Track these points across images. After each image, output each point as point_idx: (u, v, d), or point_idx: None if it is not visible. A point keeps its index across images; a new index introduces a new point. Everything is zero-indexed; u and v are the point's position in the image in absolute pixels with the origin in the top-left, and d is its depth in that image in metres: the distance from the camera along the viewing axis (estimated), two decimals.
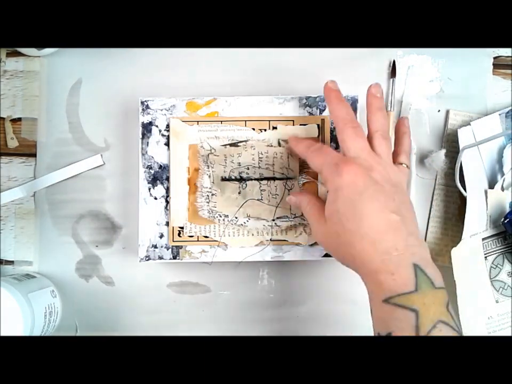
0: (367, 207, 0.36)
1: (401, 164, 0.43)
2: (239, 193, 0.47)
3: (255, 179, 0.47)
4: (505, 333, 0.47)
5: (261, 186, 0.47)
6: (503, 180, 0.48)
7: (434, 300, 0.34)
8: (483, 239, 0.48)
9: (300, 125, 0.48)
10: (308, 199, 0.42)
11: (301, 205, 0.43)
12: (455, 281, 0.46)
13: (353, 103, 0.48)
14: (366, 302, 0.50)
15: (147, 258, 0.47)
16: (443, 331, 0.33)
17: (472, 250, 0.47)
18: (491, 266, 0.48)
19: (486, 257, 0.48)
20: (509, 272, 0.48)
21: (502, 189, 0.48)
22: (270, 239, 0.47)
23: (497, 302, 0.48)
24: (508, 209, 0.47)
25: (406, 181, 0.43)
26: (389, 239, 0.36)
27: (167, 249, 0.47)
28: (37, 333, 0.44)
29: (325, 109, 0.48)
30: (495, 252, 0.48)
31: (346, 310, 0.50)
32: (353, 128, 0.40)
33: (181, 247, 0.47)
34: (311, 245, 0.47)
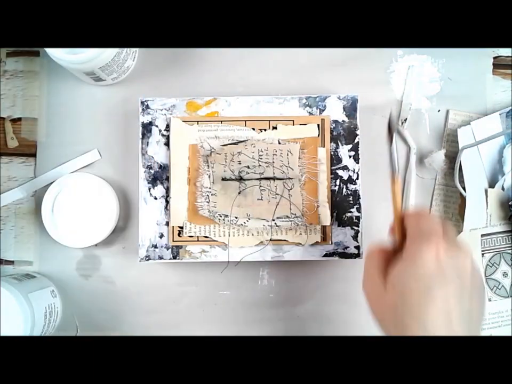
0: (431, 302, 0.32)
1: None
2: (239, 193, 0.47)
3: (255, 179, 0.47)
4: (496, 332, 0.47)
5: (261, 186, 0.47)
6: (504, 180, 0.48)
7: None
8: (482, 235, 0.48)
9: (300, 125, 0.48)
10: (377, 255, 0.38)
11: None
12: None
13: (353, 103, 0.48)
14: (366, 302, 0.50)
15: (147, 258, 0.47)
16: None
17: (471, 245, 0.48)
18: (487, 264, 0.48)
19: (483, 254, 0.48)
20: (505, 272, 0.48)
21: (502, 189, 0.48)
22: (270, 239, 0.47)
23: (489, 300, 0.48)
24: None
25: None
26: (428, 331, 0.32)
27: (167, 249, 0.47)
28: (37, 333, 0.44)
29: (325, 109, 0.48)
30: (492, 250, 0.48)
31: (346, 310, 0.50)
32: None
33: (181, 247, 0.47)
34: (311, 245, 0.47)
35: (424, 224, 0.35)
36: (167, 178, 0.48)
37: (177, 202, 0.47)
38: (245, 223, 0.47)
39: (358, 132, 0.48)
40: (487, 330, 0.48)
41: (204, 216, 0.47)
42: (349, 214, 0.48)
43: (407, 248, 0.35)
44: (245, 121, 0.48)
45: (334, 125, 0.48)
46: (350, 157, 0.48)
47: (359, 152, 0.48)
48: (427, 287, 0.32)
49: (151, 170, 0.48)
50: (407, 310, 0.33)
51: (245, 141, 0.47)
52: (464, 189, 0.48)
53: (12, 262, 0.50)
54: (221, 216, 0.47)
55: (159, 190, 0.48)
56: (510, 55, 0.51)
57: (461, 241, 0.35)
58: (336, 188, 0.48)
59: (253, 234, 0.47)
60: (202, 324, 0.50)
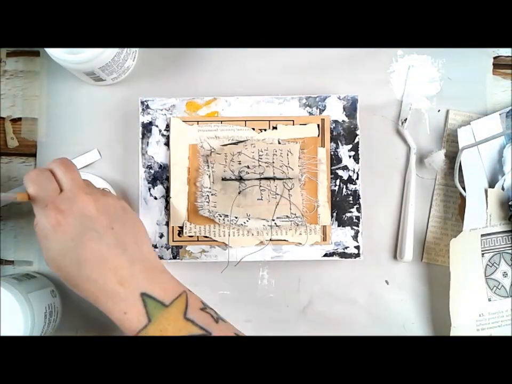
0: (83, 251, 0.35)
1: (103, 188, 0.40)
2: (239, 193, 0.47)
3: (255, 179, 0.47)
4: (496, 332, 0.48)
5: (261, 186, 0.47)
6: (504, 180, 0.48)
7: (169, 321, 0.35)
8: (482, 235, 0.48)
9: (300, 125, 0.48)
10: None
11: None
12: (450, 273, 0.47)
13: (353, 103, 0.48)
14: (366, 302, 0.50)
15: None
16: None
17: (470, 245, 0.48)
18: (487, 264, 0.48)
19: (483, 254, 0.48)
20: (505, 272, 0.48)
21: (502, 189, 0.48)
22: (270, 239, 0.47)
23: (489, 300, 0.48)
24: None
25: (114, 196, 0.39)
26: (112, 277, 0.35)
27: (167, 249, 0.47)
28: (37, 333, 0.44)
29: (325, 109, 0.48)
30: (492, 250, 0.48)
31: (346, 310, 0.50)
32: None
33: (181, 247, 0.47)
34: (311, 245, 0.47)
35: (36, 186, 0.36)
36: (167, 178, 0.48)
37: (177, 203, 0.47)
38: (245, 223, 0.47)
39: (358, 132, 0.48)
40: (487, 330, 0.48)
41: (204, 216, 0.47)
42: (349, 214, 0.48)
43: (35, 219, 0.37)
44: (245, 121, 0.48)
45: (334, 125, 0.48)
46: (350, 157, 0.48)
47: (359, 152, 0.48)
48: (71, 255, 0.35)
49: (151, 170, 0.48)
50: (70, 277, 0.36)
51: (245, 141, 0.47)
52: (464, 189, 0.48)
53: (12, 262, 0.50)
54: (220, 216, 0.47)
55: (159, 190, 0.48)
56: (510, 55, 0.51)
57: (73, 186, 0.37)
58: (336, 188, 0.48)
59: (253, 234, 0.47)
60: None
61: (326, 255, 0.47)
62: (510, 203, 0.47)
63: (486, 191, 0.48)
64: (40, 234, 0.36)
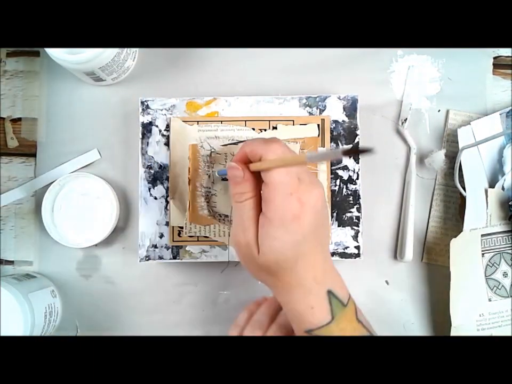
0: (305, 248, 0.34)
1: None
2: None
3: None
4: (496, 332, 0.48)
5: None
6: (504, 180, 0.48)
7: (346, 321, 0.35)
8: (482, 235, 0.48)
9: (300, 125, 0.48)
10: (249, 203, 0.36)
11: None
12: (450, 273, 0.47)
13: (353, 103, 0.48)
14: (366, 302, 0.50)
15: (147, 258, 0.47)
16: None
17: (471, 245, 0.48)
18: (487, 264, 0.48)
19: (483, 254, 0.48)
20: (505, 273, 0.48)
21: (503, 189, 0.48)
22: None
23: (490, 300, 0.48)
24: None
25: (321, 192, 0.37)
26: (311, 272, 0.35)
27: (167, 249, 0.47)
28: (37, 333, 0.44)
29: (325, 109, 0.48)
30: (493, 250, 0.48)
31: None
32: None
33: (181, 247, 0.47)
34: None
35: (280, 171, 0.34)
36: (167, 178, 0.48)
37: (177, 203, 0.47)
38: None
39: (358, 132, 0.48)
40: (487, 330, 0.48)
41: (204, 216, 0.47)
42: (349, 214, 0.48)
43: (269, 202, 0.34)
44: (245, 121, 0.48)
45: (334, 125, 0.48)
46: (350, 157, 0.48)
47: None
48: (297, 251, 0.34)
49: (151, 170, 0.48)
50: (280, 268, 0.35)
51: (245, 141, 0.47)
52: (464, 189, 0.48)
53: (12, 262, 0.50)
54: (220, 216, 0.47)
55: (159, 190, 0.48)
56: (510, 55, 0.51)
57: (311, 175, 0.36)
58: (336, 188, 0.48)
59: None
60: (202, 324, 0.50)
61: None
62: (510, 203, 0.47)
63: (486, 191, 0.48)
64: (274, 221, 0.34)
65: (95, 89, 0.51)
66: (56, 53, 0.43)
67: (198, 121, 0.47)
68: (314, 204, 0.34)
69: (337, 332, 0.35)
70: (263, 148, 0.34)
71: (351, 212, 0.48)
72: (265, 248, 0.34)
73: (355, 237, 0.47)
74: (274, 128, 0.47)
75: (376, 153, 0.50)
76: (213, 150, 0.47)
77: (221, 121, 0.47)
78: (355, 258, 0.47)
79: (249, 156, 0.35)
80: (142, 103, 0.48)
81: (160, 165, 0.48)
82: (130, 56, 0.49)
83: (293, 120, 0.48)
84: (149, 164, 0.48)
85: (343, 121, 0.48)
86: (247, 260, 0.36)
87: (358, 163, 0.48)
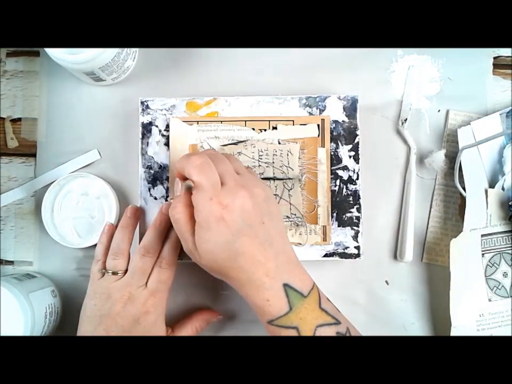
0: (241, 246, 0.37)
1: (247, 167, 0.42)
2: None
3: None
4: (496, 332, 0.48)
5: None
6: (504, 180, 0.48)
7: (307, 310, 0.38)
8: (482, 235, 0.48)
9: (300, 125, 0.48)
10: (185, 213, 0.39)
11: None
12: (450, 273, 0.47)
13: (353, 103, 0.48)
14: (366, 302, 0.50)
15: None
16: (323, 332, 0.37)
17: (471, 245, 0.48)
18: (487, 264, 0.48)
19: (483, 254, 0.48)
20: (505, 273, 0.48)
21: (502, 189, 0.48)
22: None
23: (490, 300, 0.48)
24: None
25: (260, 181, 0.41)
26: (260, 268, 0.37)
27: None
28: (37, 333, 0.44)
29: (325, 109, 0.48)
30: (493, 250, 0.48)
31: (346, 310, 0.50)
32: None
33: (181, 247, 0.47)
34: (311, 245, 0.47)
35: (202, 175, 0.37)
36: (167, 178, 0.48)
37: None
38: None
39: (358, 132, 0.48)
40: (487, 330, 0.48)
41: None
42: (349, 214, 0.48)
43: (195, 208, 0.37)
44: (245, 121, 0.48)
45: (334, 125, 0.48)
46: (350, 157, 0.48)
47: (359, 152, 0.48)
48: (230, 249, 0.36)
49: (151, 170, 0.48)
50: (223, 267, 0.38)
51: (245, 141, 0.47)
52: (464, 189, 0.48)
53: (12, 262, 0.50)
54: None
55: (159, 190, 0.48)
56: (510, 55, 0.51)
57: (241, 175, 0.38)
58: (336, 188, 0.48)
59: None
60: None
61: (326, 255, 0.47)
62: (510, 203, 0.47)
63: (486, 191, 0.48)
64: (202, 225, 0.37)
65: (95, 89, 0.51)
66: (56, 53, 0.43)
67: (198, 121, 0.47)
68: (240, 204, 0.37)
69: (297, 321, 0.37)
70: (182, 162, 0.38)
71: (351, 212, 0.48)
72: (202, 252, 0.37)
73: (355, 237, 0.47)
74: (274, 128, 0.47)
75: (376, 153, 0.51)
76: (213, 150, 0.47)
77: (221, 121, 0.47)
78: (355, 258, 0.47)
79: (180, 172, 0.39)
80: (142, 103, 0.48)
81: (160, 165, 0.48)
82: (130, 56, 0.49)
83: (293, 120, 0.48)
84: (149, 164, 0.48)
85: (343, 121, 0.48)
86: (200, 266, 0.39)
87: (358, 163, 0.48)
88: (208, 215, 0.36)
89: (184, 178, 0.40)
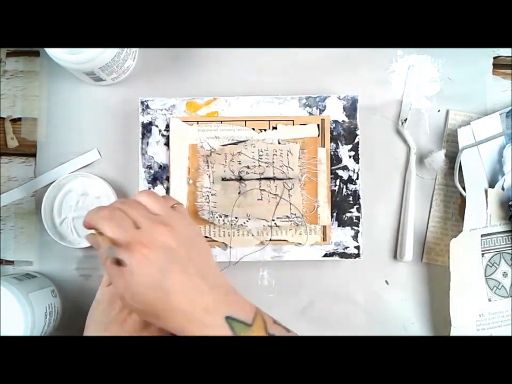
0: (171, 284, 0.35)
1: (174, 204, 0.40)
2: (239, 193, 0.47)
3: (255, 179, 0.47)
4: (496, 332, 0.48)
5: (261, 186, 0.47)
6: (504, 180, 0.48)
7: None
8: (482, 235, 0.48)
9: (300, 125, 0.48)
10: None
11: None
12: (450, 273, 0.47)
13: (353, 103, 0.48)
14: (366, 302, 0.50)
15: None
16: None
17: (470, 245, 0.48)
18: (487, 264, 0.48)
19: (483, 254, 0.48)
20: (505, 273, 0.48)
21: (502, 189, 0.48)
22: (270, 239, 0.47)
23: (489, 300, 0.48)
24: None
25: (188, 215, 0.40)
26: (197, 306, 0.35)
27: None
28: (37, 333, 0.44)
29: (325, 109, 0.48)
30: (493, 250, 0.48)
31: (346, 310, 0.50)
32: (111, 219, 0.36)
33: None
34: (311, 245, 0.47)
35: (113, 226, 0.35)
36: (167, 178, 0.48)
37: None
38: (244, 223, 0.47)
39: (358, 132, 0.48)
40: (487, 330, 0.48)
41: (204, 218, 0.47)
42: (349, 214, 0.48)
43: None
44: (245, 121, 0.48)
45: (334, 125, 0.48)
46: (350, 157, 0.48)
47: (359, 152, 0.48)
48: (159, 289, 0.34)
49: (151, 170, 0.48)
50: (158, 310, 0.35)
51: (245, 141, 0.47)
52: (464, 189, 0.48)
53: (12, 262, 0.50)
54: (220, 217, 0.47)
55: (159, 190, 0.48)
56: (510, 55, 0.51)
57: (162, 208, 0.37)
58: (336, 188, 0.48)
59: (253, 235, 0.47)
60: None
61: (326, 255, 0.47)
62: (510, 203, 0.47)
63: (486, 191, 0.48)
64: (124, 272, 0.35)
65: (95, 89, 0.51)
66: (56, 53, 0.43)
67: (198, 121, 0.47)
68: (161, 241, 0.35)
69: None
70: (91, 216, 0.36)
71: (351, 212, 0.48)
72: (132, 296, 0.35)
73: (355, 237, 0.47)
74: (274, 128, 0.47)
75: (376, 153, 0.51)
76: (212, 150, 0.47)
77: (221, 121, 0.47)
78: (355, 258, 0.48)
79: (91, 226, 0.37)
80: (142, 103, 0.48)
81: (160, 165, 0.48)
82: (130, 56, 0.49)
83: (293, 120, 0.48)
84: (149, 164, 0.48)
85: (343, 121, 0.48)
86: (137, 314, 0.38)
87: (358, 163, 0.48)
88: (130, 259, 0.34)
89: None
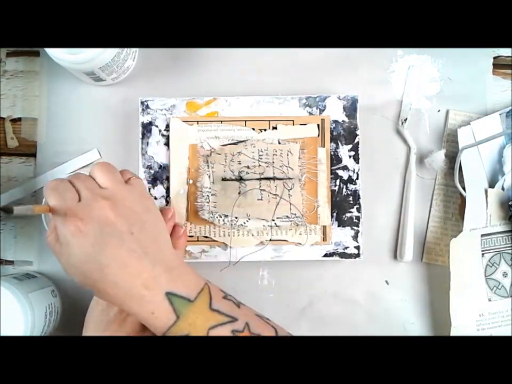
0: (104, 257, 0.35)
1: (129, 178, 0.40)
2: (239, 193, 0.47)
3: (255, 179, 0.47)
4: (496, 332, 0.48)
5: (261, 186, 0.47)
6: (504, 180, 0.48)
7: (196, 314, 0.36)
8: (482, 235, 0.48)
9: (300, 125, 0.48)
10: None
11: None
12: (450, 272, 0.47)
13: (353, 103, 0.48)
14: (366, 302, 0.50)
15: None
16: (217, 333, 0.36)
17: (470, 245, 0.48)
18: (487, 264, 0.48)
19: (483, 254, 0.48)
20: (505, 272, 0.48)
21: (502, 189, 0.48)
22: (270, 239, 0.47)
23: (489, 300, 0.48)
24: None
25: (142, 190, 0.39)
26: (136, 281, 0.35)
27: None
28: (37, 332, 0.44)
29: (325, 109, 0.48)
30: (493, 250, 0.48)
31: (346, 310, 0.50)
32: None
33: None
34: (311, 245, 0.47)
35: (54, 195, 0.36)
36: (167, 178, 0.48)
37: (177, 203, 0.47)
38: (244, 223, 0.47)
39: (358, 132, 0.48)
40: (487, 330, 0.48)
41: (204, 218, 0.47)
42: (349, 214, 0.48)
43: (56, 227, 0.36)
44: (245, 121, 0.48)
45: (334, 125, 0.48)
46: (350, 157, 0.48)
47: (359, 152, 0.48)
48: (93, 261, 0.35)
49: (151, 170, 0.48)
50: (94, 282, 0.36)
51: (245, 141, 0.47)
52: (464, 189, 0.48)
53: (12, 262, 0.50)
54: (220, 217, 0.47)
55: (159, 190, 0.48)
56: (510, 55, 0.51)
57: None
58: (336, 188, 0.48)
59: (253, 235, 0.47)
60: None
61: (326, 255, 0.47)
62: (510, 203, 0.47)
63: (486, 191, 0.48)
64: (62, 242, 0.36)
65: (95, 89, 0.51)
66: (56, 53, 0.43)
67: (198, 121, 0.47)
68: (98, 215, 0.35)
69: (187, 327, 0.36)
70: (45, 186, 0.37)
71: (351, 212, 0.48)
72: (69, 267, 0.36)
73: (355, 237, 0.47)
74: (274, 128, 0.47)
75: (376, 153, 0.51)
76: (212, 150, 0.47)
77: (221, 121, 0.47)
78: (355, 258, 0.48)
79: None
80: (142, 103, 0.48)
81: (160, 165, 0.48)
82: (130, 56, 0.49)
83: (293, 120, 0.48)
84: (149, 164, 0.48)
85: (343, 121, 0.48)
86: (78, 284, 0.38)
87: (358, 163, 0.48)
88: (64, 230, 0.35)
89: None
